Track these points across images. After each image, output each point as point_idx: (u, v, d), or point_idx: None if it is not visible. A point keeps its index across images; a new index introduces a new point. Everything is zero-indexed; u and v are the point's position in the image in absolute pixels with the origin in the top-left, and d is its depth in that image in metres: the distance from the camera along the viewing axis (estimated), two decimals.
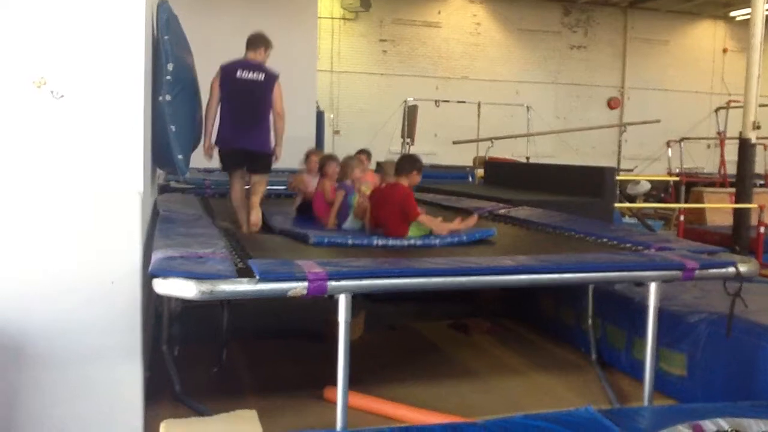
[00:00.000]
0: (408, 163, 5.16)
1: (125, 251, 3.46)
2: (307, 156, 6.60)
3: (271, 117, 5.33)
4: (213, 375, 4.48)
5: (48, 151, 3.46)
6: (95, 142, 3.51)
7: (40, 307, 3.35)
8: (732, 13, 20.06)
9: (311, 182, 6.06)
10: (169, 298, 3.96)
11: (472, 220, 5.32)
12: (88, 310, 3.40)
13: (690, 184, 13.96)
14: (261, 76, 5.22)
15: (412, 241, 4.77)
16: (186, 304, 4.00)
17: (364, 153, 6.90)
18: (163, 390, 4.09)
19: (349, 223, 5.39)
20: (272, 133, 5.39)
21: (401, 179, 5.02)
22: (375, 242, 4.73)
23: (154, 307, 4.68)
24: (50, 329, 3.36)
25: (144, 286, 3.50)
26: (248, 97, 5.20)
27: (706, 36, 21.02)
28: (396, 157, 5.63)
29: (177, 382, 4.15)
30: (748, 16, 9.85)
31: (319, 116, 14.31)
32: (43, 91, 3.42)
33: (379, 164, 6.27)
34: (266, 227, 5.37)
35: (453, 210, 6.65)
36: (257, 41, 5.31)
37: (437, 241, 4.78)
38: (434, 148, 17.82)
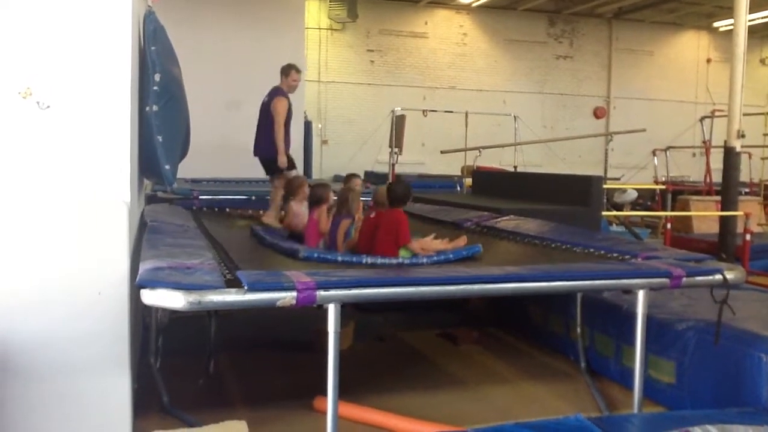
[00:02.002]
0: (404, 191, 5.18)
1: (112, 261, 3.45)
2: (295, 185, 6.17)
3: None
4: (202, 386, 4.45)
5: (34, 161, 3.44)
6: (82, 153, 3.50)
7: (26, 318, 3.32)
8: (715, 24, 20.27)
9: (301, 212, 5.85)
10: (157, 309, 3.93)
11: (461, 240, 5.36)
12: (75, 322, 3.38)
13: (676, 193, 14.06)
14: (268, 96, 6.48)
15: (400, 260, 4.81)
16: (174, 315, 3.98)
17: (358, 177, 6.90)
18: (152, 402, 4.06)
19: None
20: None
21: (397, 207, 5.06)
22: (364, 260, 4.75)
23: (141, 318, 4.65)
24: (36, 341, 3.33)
25: (131, 296, 3.48)
26: (261, 114, 6.55)
27: (690, 46, 21.23)
28: (381, 167, 5.64)
29: (165, 393, 4.11)
30: (731, 27, 9.96)
31: (307, 126, 14.32)
32: (29, 102, 3.40)
33: (342, 195, 6.18)
34: (257, 240, 5.38)
35: (441, 223, 6.67)
36: (281, 71, 6.60)
37: (425, 260, 4.84)
38: (422, 158, 17.86)
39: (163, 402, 4.07)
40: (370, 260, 4.76)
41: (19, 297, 3.32)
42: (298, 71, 6.64)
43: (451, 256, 4.94)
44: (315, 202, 5.61)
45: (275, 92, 6.51)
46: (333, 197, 5.66)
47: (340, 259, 4.72)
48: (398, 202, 5.08)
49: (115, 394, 3.48)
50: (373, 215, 5.22)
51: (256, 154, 6.64)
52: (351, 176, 6.83)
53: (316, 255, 4.66)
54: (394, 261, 4.77)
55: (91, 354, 3.41)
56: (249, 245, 5.43)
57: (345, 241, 5.47)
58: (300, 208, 5.87)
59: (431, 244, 5.15)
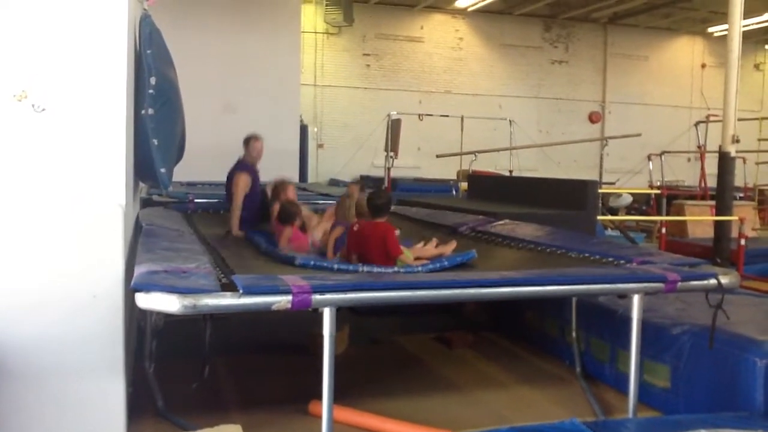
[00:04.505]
0: (386, 203, 5.22)
1: (107, 265, 3.44)
2: (291, 211, 6.04)
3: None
4: (196, 390, 4.43)
5: (29, 164, 3.43)
6: (77, 156, 3.49)
7: (21, 321, 3.31)
8: (710, 29, 20.36)
9: (300, 236, 5.99)
10: (152, 313, 3.92)
11: (451, 246, 5.38)
12: (70, 325, 3.36)
13: (671, 197, 14.09)
14: (233, 167, 6.67)
15: (396, 269, 4.84)
16: (168, 319, 3.97)
17: (357, 185, 6.93)
18: (146, 405, 4.05)
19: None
20: None
21: (379, 219, 5.09)
22: (360, 269, 4.78)
23: (136, 321, 4.64)
24: (31, 343, 3.32)
25: (126, 300, 3.47)
26: (227, 183, 6.72)
27: (685, 51, 21.31)
28: (377, 171, 5.70)
29: (160, 397, 4.10)
30: (726, 32, 10.00)
31: (303, 130, 14.33)
32: (25, 105, 3.39)
33: (345, 202, 6.21)
34: (252, 247, 5.41)
35: (436, 227, 6.67)
36: (243, 142, 6.63)
37: (420, 269, 4.87)
38: (418, 162, 17.88)
39: (157, 406, 4.06)
40: (366, 269, 4.79)
41: (14, 299, 3.31)
42: (257, 139, 6.64)
43: (446, 263, 4.97)
44: (287, 219, 5.78)
45: (237, 166, 6.59)
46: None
47: (336, 267, 4.73)
48: (379, 212, 5.11)
49: (110, 397, 3.47)
50: (356, 227, 5.24)
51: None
52: (351, 184, 6.87)
53: (312, 263, 4.67)
54: (390, 270, 4.80)
55: (86, 357, 3.40)
56: (245, 253, 5.45)
57: (339, 248, 5.50)
58: (296, 232, 5.93)
59: (424, 252, 5.19)
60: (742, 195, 15.07)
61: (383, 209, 5.15)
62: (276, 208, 6.09)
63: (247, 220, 6.45)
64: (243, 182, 6.47)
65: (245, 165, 6.61)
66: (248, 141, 6.65)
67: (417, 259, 5.24)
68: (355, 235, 5.20)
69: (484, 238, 6.04)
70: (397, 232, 5.31)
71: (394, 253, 4.97)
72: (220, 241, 5.75)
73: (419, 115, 15.45)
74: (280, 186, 6.56)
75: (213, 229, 6.38)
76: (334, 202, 6.95)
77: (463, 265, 5.02)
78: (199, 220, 6.88)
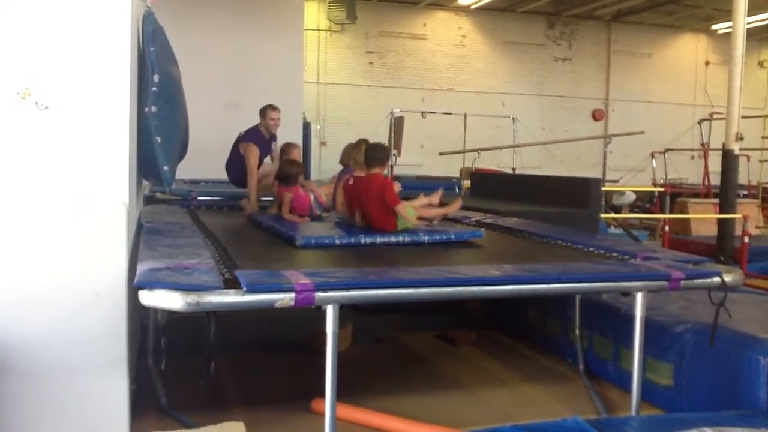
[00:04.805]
0: (381, 153, 5.17)
1: (110, 262, 3.44)
2: (294, 172, 6.22)
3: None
4: (200, 387, 4.44)
5: (32, 162, 3.44)
6: (80, 153, 3.50)
7: (25, 318, 3.32)
8: (714, 27, 20.29)
9: (300, 196, 6.07)
10: (155, 310, 3.93)
11: (456, 205, 5.47)
12: (73, 322, 3.37)
13: (674, 195, 14.06)
14: (244, 133, 6.61)
15: (400, 238, 4.79)
16: (172, 316, 3.97)
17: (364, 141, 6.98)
18: (150, 403, 4.06)
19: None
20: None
21: (375, 169, 5.05)
22: (362, 240, 4.74)
23: (139, 319, 4.65)
24: (34, 341, 3.33)
25: (129, 297, 3.48)
26: (234, 146, 6.68)
27: (689, 49, 21.25)
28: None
29: (163, 394, 4.11)
30: (730, 30, 9.97)
31: (306, 127, 14.31)
32: (28, 102, 3.40)
33: (344, 151, 6.29)
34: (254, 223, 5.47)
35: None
36: (259, 112, 6.63)
37: (426, 238, 4.84)
38: (421, 160, 17.85)
39: (160, 403, 4.07)
40: (368, 240, 4.75)
41: (18, 297, 3.31)
42: (275, 109, 6.59)
43: (453, 236, 4.93)
44: (288, 180, 5.86)
45: (248, 135, 6.51)
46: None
47: (338, 242, 4.70)
48: (376, 162, 5.06)
49: (113, 394, 3.48)
50: (351, 181, 5.24)
51: (230, 181, 6.79)
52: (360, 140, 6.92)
53: (313, 241, 4.65)
54: (393, 239, 4.75)
55: (89, 354, 3.41)
56: (246, 234, 5.45)
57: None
58: (297, 193, 5.99)
59: (428, 211, 5.18)
60: (745, 193, 15.04)
61: (381, 159, 5.10)
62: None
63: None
64: (252, 153, 6.39)
65: (254, 134, 6.54)
66: (264, 110, 6.56)
67: (420, 218, 5.20)
68: (351, 189, 5.17)
69: (488, 227, 6.04)
70: (399, 187, 5.24)
71: (392, 204, 4.89)
72: (222, 226, 5.75)
73: (422, 112, 15.42)
74: (286, 148, 6.63)
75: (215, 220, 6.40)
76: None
77: (470, 242, 4.99)
78: (202, 217, 6.88)
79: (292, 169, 5.96)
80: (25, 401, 3.33)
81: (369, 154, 5.14)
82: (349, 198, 5.27)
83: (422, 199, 5.49)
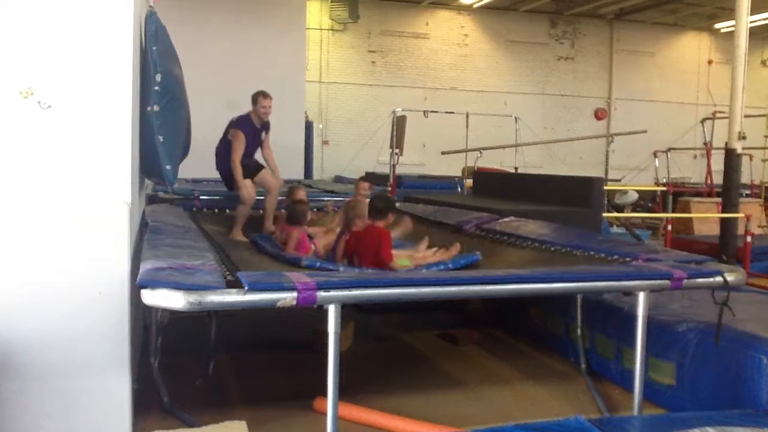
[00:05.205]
0: (384, 205, 5.17)
1: (113, 262, 3.45)
2: (300, 214, 6.22)
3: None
4: (202, 386, 4.45)
5: (35, 161, 3.44)
6: (83, 153, 3.50)
7: (27, 317, 3.32)
8: (717, 26, 20.27)
9: (305, 241, 6.02)
10: (157, 310, 3.93)
11: (453, 250, 5.37)
12: (76, 321, 3.38)
13: (677, 194, 14.04)
14: (235, 119, 6.75)
15: (400, 271, 4.85)
16: (174, 316, 3.97)
17: (366, 182, 7.06)
18: (152, 402, 4.06)
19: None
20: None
21: (378, 222, 5.05)
22: (365, 269, 4.80)
23: (142, 318, 4.65)
24: (37, 340, 3.33)
25: (132, 296, 3.48)
26: (224, 132, 6.83)
27: (692, 48, 21.22)
28: (382, 168, 5.71)
29: (165, 393, 4.11)
30: (733, 29, 9.95)
31: (308, 126, 14.34)
32: (31, 102, 3.40)
33: (348, 205, 6.26)
34: (258, 251, 5.47)
35: (441, 226, 6.67)
36: (251, 99, 6.72)
37: (424, 269, 4.89)
38: (423, 159, 17.86)
39: (163, 402, 4.07)
40: (372, 271, 4.80)
41: (20, 296, 3.32)
42: (266, 96, 6.60)
43: (450, 265, 4.97)
44: (295, 220, 5.88)
45: (238, 122, 6.56)
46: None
47: (342, 269, 4.75)
48: (378, 215, 5.07)
49: (115, 393, 3.48)
50: (348, 237, 5.23)
51: (217, 168, 6.80)
52: (360, 181, 6.96)
53: (318, 264, 4.69)
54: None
55: (92, 354, 3.41)
56: (250, 256, 5.48)
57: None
58: (304, 236, 5.99)
59: (423, 260, 5.17)
60: (748, 192, 15.02)
61: (382, 212, 5.10)
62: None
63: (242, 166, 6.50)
64: (238, 141, 6.43)
65: (245, 122, 6.57)
66: (256, 97, 6.59)
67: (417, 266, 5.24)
68: (352, 237, 5.18)
69: (489, 237, 6.03)
70: (430, 249, 5.29)
71: (385, 259, 4.91)
72: (225, 243, 5.78)
73: (424, 111, 15.40)
74: (291, 191, 6.79)
75: (218, 227, 6.42)
76: (339, 199, 7.04)
77: (467, 267, 5.03)
78: (205, 219, 6.90)
79: (300, 209, 6.08)
80: (28, 401, 3.34)
81: (371, 207, 5.16)
82: (349, 244, 5.28)
83: (420, 253, 5.47)
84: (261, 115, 6.58)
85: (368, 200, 5.45)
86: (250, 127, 6.56)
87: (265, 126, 6.74)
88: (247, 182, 6.51)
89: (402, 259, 5.10)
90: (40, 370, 3.35)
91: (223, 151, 6.66)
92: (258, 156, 6.97)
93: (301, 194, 6.71)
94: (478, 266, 5.01)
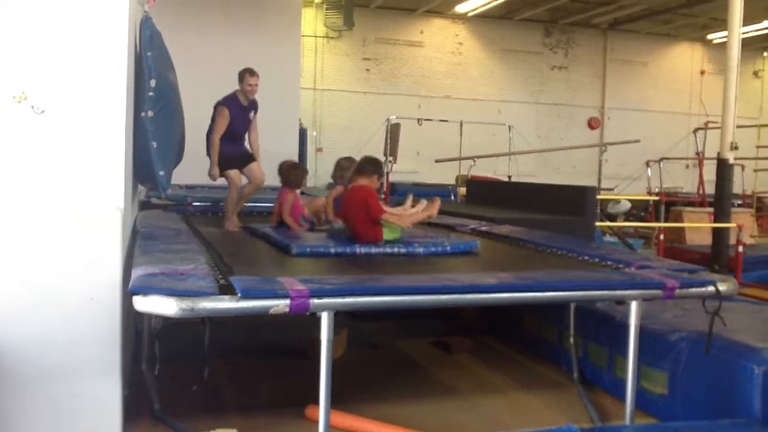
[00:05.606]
0: (371, 165, 5.18)
1: (105, 267, 3.43)
2: (299, 176, 6.44)
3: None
4: (194, 393, 4.42)
5: (28, 166, 3.43)
6: (76, 158, 3.49)
7: (18, 323, 3.30)
8: (709, 36, 20.41)
9: (299, 204, 6.24)
10: (149, 316, 3.92)
11: (435, 205, 5.40)
12: (67, 327, 3.36)
13: (669, 204, 14.10)
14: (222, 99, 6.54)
15: (395, 249, 4.81)
16: (166, 322, 3.96)
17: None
18: (143, 408, 4.04)
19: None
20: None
21: (362, 180, 5.06)
22: (358, 250, 4.76)
23: (133, 324, 4.63)
24: (27, 346, 3.31)
25: (124, 302, 3.47)
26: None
27: (684, 58, 21.36)
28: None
29: (156, 400, 4.09)
30: (725, 39, 10.02)
31: (302, 133, 14.31)
32: (24, 106, 3.40)
33: (338, 163, 6.33)
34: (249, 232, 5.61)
35: (435, 226, 6.67)
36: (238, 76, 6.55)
37: (421, 250, 4.85)
38: (417, 167, 17.89)
39: (154, 409, 4.05)
40: (363, 250, 4.77)
41: (11, 302, 3.30)
42: (253, 74, 6.42)
43: (448, 248, 4.94)
44: (293, 184, 6.11)
45: (224, 100, 6.40)
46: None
47: (333, 251, 4.72)
48: (364, 172, 5.08)
49: (106, 400, 3.46)
50: (347, 188, 5.33)
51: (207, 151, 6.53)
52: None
53: (308, 250, 4.67)
54: (389, 250, 4.77)
55: (82, 359, 3.40)
56: (241, 241, 5.46)
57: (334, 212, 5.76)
58: (297, 200, 6.16)
59: (414, 216, 5.21)
60: (740, 202, 15.08)
61: (368, 169, 5.10)
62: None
63: (230, 156, 6.36)
64: (221, 118, 6.26)
65: (230, 100, 6.39)
66: (243, 75, 6.42)
67: (400, 218, 5.21)
68: (342, 199, 5.23)
69: (484, 236, 6.05)
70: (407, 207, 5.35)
71: (375, 215, 4.89)
72: (220, 236, 5.75)
73: (418, 119, 15.45)
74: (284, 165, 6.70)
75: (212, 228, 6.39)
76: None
77: (465, 253, 5.01)
78: (198, 222, 6.87)
79: (298, 173, 6.27)
80: (18, 406, 3.32)
81: (359, 165, 5.17)
82: (341, 206, 5.33)
83: (408, 211, 5.46)
84: (247, 92, 6.41)
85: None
86: (236, 106, 6.37)
87: (253, 105, 6.55)
88: (234, 172, 6.40)
89: (393, 227, 5.04)
90: (31, 375, 3.33)
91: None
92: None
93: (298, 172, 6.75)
94: (475, 254, 5.01)
